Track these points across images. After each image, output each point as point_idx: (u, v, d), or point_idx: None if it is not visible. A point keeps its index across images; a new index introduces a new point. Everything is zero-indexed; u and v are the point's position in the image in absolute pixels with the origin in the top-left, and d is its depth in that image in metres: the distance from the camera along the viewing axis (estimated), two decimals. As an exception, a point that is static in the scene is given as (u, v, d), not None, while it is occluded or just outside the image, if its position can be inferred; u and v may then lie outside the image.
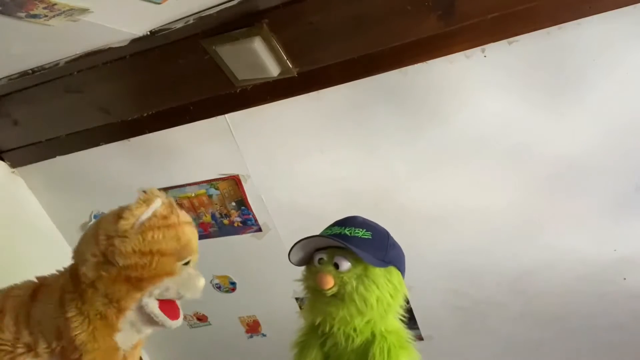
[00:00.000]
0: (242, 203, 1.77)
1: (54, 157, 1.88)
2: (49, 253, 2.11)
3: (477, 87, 1.33)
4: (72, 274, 1.02)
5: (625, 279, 1.55)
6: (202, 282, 1.02)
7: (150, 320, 1.00)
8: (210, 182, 1.76)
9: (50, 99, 1.66)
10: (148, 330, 1.04)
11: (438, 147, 1.46)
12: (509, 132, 1.38)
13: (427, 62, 1.31)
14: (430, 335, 1.90)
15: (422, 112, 1.42)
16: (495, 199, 1.51)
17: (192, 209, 1.86)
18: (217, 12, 1.26)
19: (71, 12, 1.03)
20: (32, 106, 1.71)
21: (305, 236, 1.08)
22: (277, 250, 1.85)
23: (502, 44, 1.24)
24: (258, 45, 1.30)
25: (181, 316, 1.03)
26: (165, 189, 1.84)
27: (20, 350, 0.98)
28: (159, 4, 1.14)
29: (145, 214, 0.96)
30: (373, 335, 1.06)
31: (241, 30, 1.29)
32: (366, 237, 1.09)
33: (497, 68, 1.29)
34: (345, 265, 1.06)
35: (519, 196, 1.48)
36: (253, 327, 2.15)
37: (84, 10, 1.05)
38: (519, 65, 1.27)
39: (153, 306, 0.98)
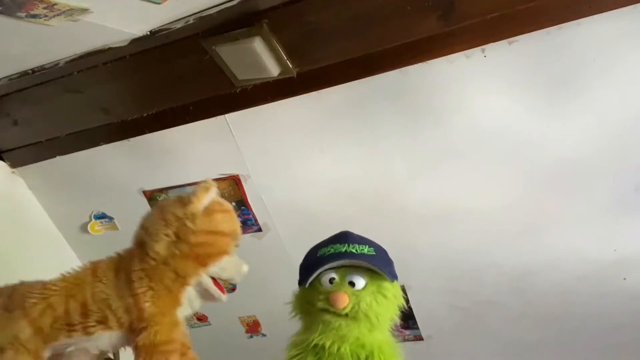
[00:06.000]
0: (242, 203, 1.77)
1: (54, 157, 1.88)
2: (49, 253, 2.12)
3: (477, 87, 1.33)
4: (136, 254, 1.12)
5: (625, 279, 1.55)
6: (246, 268, 1.15)
7: (205, 294, 1.13)
8: (210, 182, 1.76)
9: (50, 99, 1.66)
10: (198, 306, 1.16)
11: (438, 147, 1.46)
12: (508, 132, 1.38)
13: (427, 62, 1.31)
14: (430, 335, 1.90)
15: (422, 112, 1.42)
16: (495, 199, 1.51)
17: (192, 209, 1.85)
18: (217, 12, 1.26)
19: (71, 12, 1.03)
20: (32, 106, 1.71)
21: (325, 262, 1.08)
22: (277, 250, 1.85)
23: (502, 44, 1.24)
24: (258, 45, 1.30)
25: (226, 293, 1.16)
26: (165, 189, 1.84)
27: (91, 324, 1.07)
28: (159, 4, 1.14)
29: (207, 199, 1.09)
30: (372, 348, 1.06)
31: (241, 30, 1.29)
32: (371, 253, 1.10)
33: (497, 68, 1.29)
34: (361, 283, 1.06)
35: (519, 196, 1.48)
36: (253, 327, 2.15)
37: (84, 10, 1.05)
38: (519, 65, 1.28)
39: (209, 282, 1.11)
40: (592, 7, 1.14)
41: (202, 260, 1.07)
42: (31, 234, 2.04)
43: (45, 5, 0.97)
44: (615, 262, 1.52)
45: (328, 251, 1.11)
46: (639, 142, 1.31)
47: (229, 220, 1.12)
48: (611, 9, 1.13)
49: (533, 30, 1.20)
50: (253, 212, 1.78)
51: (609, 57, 1.21)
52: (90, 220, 2.03)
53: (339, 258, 1.08)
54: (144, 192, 1.88)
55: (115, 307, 1.07)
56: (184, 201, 1.09)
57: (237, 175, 1.71)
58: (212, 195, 1.10)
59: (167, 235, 1.06)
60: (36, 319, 1.07)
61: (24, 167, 1.98)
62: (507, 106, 1.34)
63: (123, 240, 2.12)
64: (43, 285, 1.13)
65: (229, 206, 1.15)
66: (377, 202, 1.62)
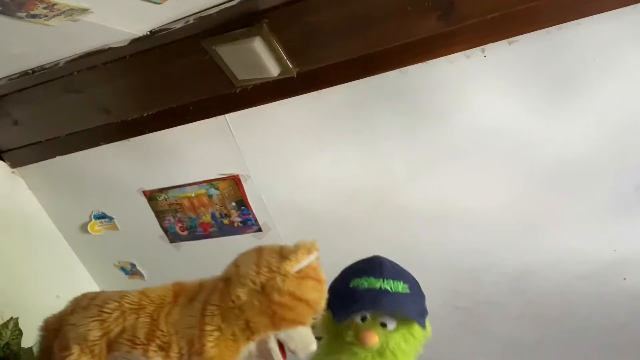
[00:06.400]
0: (242, 203, 1.77)
1: (54, 157, 1.89)
2: (49, 253, 2.13)
3: (477, 87, 1.33)
4: (219, 288, 1.07)
5: (625, 279, 1.55)
6: (314, 346, 1.08)
7: (265, 355, 1.07)
8: (210, 182, 1.77)
9: (50, 99, 1.66)
10: None
11: (438, 147, 1.46)
12: (508, 132, 1.38)
13: (427, 62, 1.31)
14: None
15: (422, 112, 1.42)
16: (495, 199, 1.51)
17: (192, 209, 1.86)
18: (217, 12, 1.26)
19: (71, 12, 1.03)
20: (32, 106, 1.71)
21: (359, 303, 1.09)
22: (277, 250, 1.85)
23: (502, 44, 1.24)
24: (258, 45, 1.30)
25: None
26: (165, 189, 1.84)
27: (152, 348, 1.04)
28: (159, 4, 1.14)
29: (305, 261, 1.03)
30: None
31: (241, 30, 1.29)
32: (406, 291, 1.12)
33: (497, 68, 1.29)
34: (393, 325, 1.09)
35: (519, 196, 1.48)
36: (253, 327, 2.15)
37: (84, 10, 1.05)
38: (519, 65, 1.27)
39: (275, 345, 1.05)
40: (592, 7, 1.14)
41: (277, 321, 1.02)
42: (31, 234, 2.05)
43: (45, 5, 0.97)
44: (615, 262, 1.52)
45: (362, 284, 1.12)
46: (639, 142, 1.31)
47: (319, 292, 1.06)
48: (611, 9, 1.13)
49: (533, 30, 1.20)
50: (253, 212, 1.78)
51: (609, 57, 1.21)
52: (90, 220, 2.03)
53: (375, 299, 1.09)
54: (144, 192, 1.88)
55: (181, 335, 1.04)
56: (283, 254, 1.05)
57: (237, 175, 1.71)
58: (311, 258, 1.06)
59: (253, 282, 1.02)
60: (107, 323, 1.06)
61: (24, 167, 1.98)
62: (507, 106, 1.34)
63: (123, 240, 2.13)
64: (123, 294, 1.12)
65: (323, 276, 1.09)
66: (377, 202, 1.62)
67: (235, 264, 1.10)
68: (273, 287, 1.00)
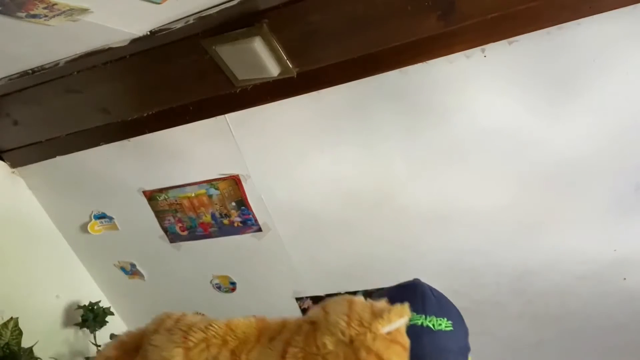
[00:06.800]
0: (242, 203, 1.77)
1: (54, 157, 1.89)
2: (49, 253, 2.13)
3: (477, 87, 1.33)
4: (304, 330, 1.04)
5: (625, 279, 1.55)
6: None
7: None
8: (210, 182, 1.77)
9: (50, 99, 1.66)
10: None
11: (438, 147, 1.46)
12: (508, 132, 1.38)
13: (427, 62, 1.31)
14: (430, 335, 1.90)
15: (422, 112, 1.42)
16: (495, 199, 1.51)
17: (192, 209, 1.86)
18: (217, 12, 1.26)
19: (71, 12, 1.03)
20: (32, 106, 1.71)
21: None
22: (277, 250, 1.86)
23: (502, 44, 1.24)
24: (258, 45, 1.30)
25: None
26: (165, 189, 1.84)
27: None
28: (159, 4, 1.14)
29: (395, 324, 0.99)
30: None
31: (241, 30, 1.29)
32: (449, 329, 1.07)
33: (497, 68, 1.29)
34: None
35: (519, 196, 1.48)
36: (253, 327, 2.15)
37: (84, 10, 1.05)
38: (519, 65, 1.27)
39: None
40: (592, 7, 1.14)
41: None
42: (31, 234, 2.05)
43: (45, 5, 0.97)
44: (615, 262, 1.52)
45: None
46: (639, 142, 1.31)
47: (402, 358, 1.01)
48: (611, 9, 1.13)
49: (533, 30, 1.20)
50: (253, 212, 1.78)
51: (609, 57, 1.21)
52: (90, 220, 2.03)
53: (416, 341, 1.03)
54: (144, 192, 1.88)
55: None
56: (375, 311, 1.01)
57: (237, 175, 1.71)
58: (401, 322, 1.02)
59: (342, 333, 0.98)
60: (192, 352, 1.03)
61: (24, 167, 1.98)
62: (507, 106, 1.34)
63: (123, 240, 2.13)
64: (208, 323, 1.09)
65: (408, 342, 1.06)
66: (378, 202, 1.62)
67: (324, 310, 1.05)
68: (362, 342, 0.96)
